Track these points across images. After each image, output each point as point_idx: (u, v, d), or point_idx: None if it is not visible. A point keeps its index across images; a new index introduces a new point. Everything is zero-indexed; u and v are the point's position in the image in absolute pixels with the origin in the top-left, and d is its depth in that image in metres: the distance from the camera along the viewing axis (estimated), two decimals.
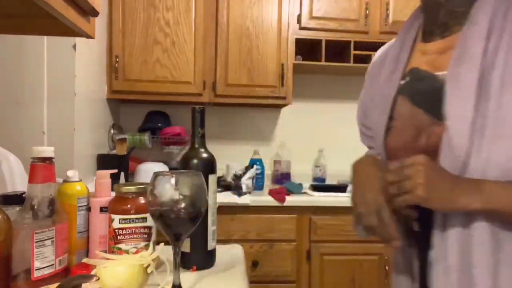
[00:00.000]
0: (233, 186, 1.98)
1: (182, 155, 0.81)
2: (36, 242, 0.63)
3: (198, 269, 0.79)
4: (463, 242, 0.57)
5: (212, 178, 0.80)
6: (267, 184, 2.34)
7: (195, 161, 0.79)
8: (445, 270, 0.58)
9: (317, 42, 2.18)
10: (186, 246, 0.79)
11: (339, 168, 2.34)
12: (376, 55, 0.82)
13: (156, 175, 0.61)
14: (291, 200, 1.90)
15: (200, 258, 0.80)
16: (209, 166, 0.80)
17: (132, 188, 0.74)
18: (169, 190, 0.59)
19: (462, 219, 0.57)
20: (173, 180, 0.60)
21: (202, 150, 0.81)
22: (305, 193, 2.03)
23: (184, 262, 0.79)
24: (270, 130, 2.47)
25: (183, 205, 0.60)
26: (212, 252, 0.82)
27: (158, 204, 0.60)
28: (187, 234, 0.64)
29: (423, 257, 0.64)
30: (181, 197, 0.60)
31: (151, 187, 0.60)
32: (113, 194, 0.77)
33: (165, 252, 0.82)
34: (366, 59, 2.14)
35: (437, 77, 0.62)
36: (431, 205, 0.55)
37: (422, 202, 0.55)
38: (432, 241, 0.61)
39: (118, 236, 0.72)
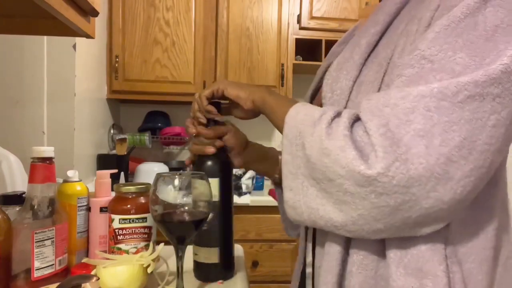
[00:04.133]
0: (233, 186, 1.98)
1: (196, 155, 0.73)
2: (36, 242, 0.63)
3: (224, 280, 0.72)
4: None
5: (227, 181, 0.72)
6: (267, 184, 2.34)
7: (209, 163, 0.70)
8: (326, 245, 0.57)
9: (317, 42, 2.18)
10: (214, 257, 0.71)
11: None
12: None
13: (159, 176, 0.59)
14: None
15: (226, 268, 0.73)
16: (227, 168, 0.72)
17: (132, 188, 0.74)
18: (172, 192, 0.58)
19: None
20: (176, 182, 0.58)
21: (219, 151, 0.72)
22: None
23: (210, 273, 0.72)
24: (270, 130, 2.47)
25: (186, 208, 0.59)
26: (233, 260, 0.76)
27: (160, 206, 0.58)
28: (190, 238, 0.62)
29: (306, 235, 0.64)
30: (184, 199, 0.58)
31: (153, 189, 0.59)
32: (113, 194, 0.77)
33: (165, 252, 0.82)
34: None
35: None
36: (233, 93, 0.66)
37: (224, 89, 0.66)
38: None
39: (118, 236, 0.72)
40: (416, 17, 0.51)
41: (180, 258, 0.61)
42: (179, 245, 0.61)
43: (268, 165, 0.77)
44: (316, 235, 0.60)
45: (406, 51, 0.50)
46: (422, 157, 0.42)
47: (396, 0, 0.57)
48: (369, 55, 0.56)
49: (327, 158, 0.47)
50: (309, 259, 0.62)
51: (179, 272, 0.62)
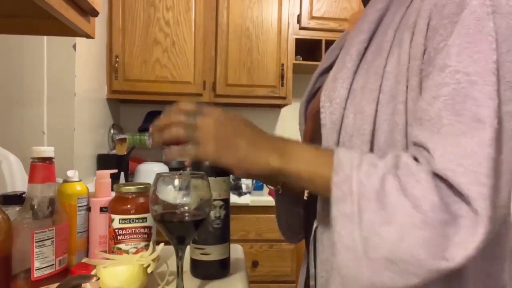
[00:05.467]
0: (233, 186, 1.98)
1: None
2: (36, 242, 0.63)
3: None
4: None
5: (224, 180, 0.74)
6: None
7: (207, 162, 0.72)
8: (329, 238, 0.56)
9: (317, 42, 2.18)
10: (223, 253, 0.74)
11: None
12: None
13: (159, 176, 0.59)
14: None
15: (227, 264, 0.77)
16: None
17: (132, 188, 0.74)
18: (172, 192, 0.58)
19: None
20: (176, 182, 0.58)
21: None
22: None
23: (210, 271, 0.74)
24: (270, 130, 2.47)
25: (186, 208, 0.59)
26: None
27: (160, 206, 0.58)
28: (190, 238, 0.62)
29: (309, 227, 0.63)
30: (184, 199, 0.58)
31: (153, 189, 0.59)
32: (113, 194, 0.77)
33: (165, 252, 0.82)
34: None
35: None
36: (222, 163, 0.50)
37: (211, 159, 0.50)
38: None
39: (118, 236, 0.72)
40: (405, 24, 0.51)
41: (180, 258, 0.61)
42: (179, 245, 0.61)
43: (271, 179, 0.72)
44: (316, 246, 0.60)
45: (403, 63, 0.50)
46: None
47: (377, 7, 0.57)
48: (360, 62, 0.56)
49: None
50: (312, 270, 0.62)
51: (179, 272, 0.62)
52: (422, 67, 0.49)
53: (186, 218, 0.57)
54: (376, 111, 0.52)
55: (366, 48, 0.56)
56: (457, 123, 0.44)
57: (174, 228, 0.60)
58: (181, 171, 1.89)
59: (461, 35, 0.45)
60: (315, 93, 0.71)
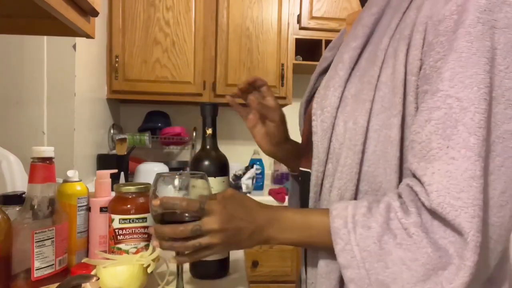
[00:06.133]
0: (233, 186, 1.98)
1: (193, 156, 0.76)
2: (36, 242, 0.63)
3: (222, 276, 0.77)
4: None
5: (224, 180, 0.75)
6: (267, 184, 2.34)
7: (206, 162, 0.74)
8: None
9: (317, 42, 2.18)
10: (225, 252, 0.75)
11: None
12: None
13: (159, 176, 0.59)
14: None
15: (227, 263, 0.78)
16: (223, 168, 0.75)
17: (132, 188, 0.74)
18: (172, 192, 0.58)
19: None
20: (176, 182, 0.58)
21: (214, 151, 0.76)
22: None
23: (210, 270, 0.75)
24: None
25: None
26: None
27: (160, 206, 0.58)
28: None
29: None
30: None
31: (153, 188, 0.59)
32: (113, 194, 0.77)
33: (165, 252, 0.82)
34: None
35: None
36: (232, 250, 0.58)
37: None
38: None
39: (118, 236, 0.72)
40: (401, 34, 0.51)
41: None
42: None
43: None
44: (307, 250, 0.61)
45: (398, 75, 0.50)
46: None
47: (373, 10, 0.57)
48: (352, 69, 0.56)
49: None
50: (303, 275, 0.63)
51: (179, 272, 0.62)
52: (418, 82, 0.49)
53: (186, 218, 0.57)
54: (368, 121, 0.52)
55: (360, 54, 0.56)
56: (446, 147, 0.44)
57: None
58: (181, 171, 1.89)
59: (454, 59, 0.45)
60: (314, 93, 0.71)
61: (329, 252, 0.53)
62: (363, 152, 0.52)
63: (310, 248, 0.59)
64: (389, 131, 0.51)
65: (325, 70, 0.70)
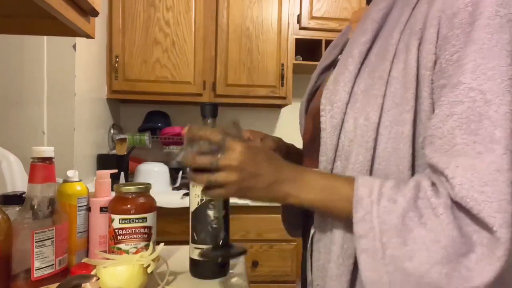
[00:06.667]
0: None
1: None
2: (36, 242, 0.63)
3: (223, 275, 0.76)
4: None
5: None
6: None
7: None
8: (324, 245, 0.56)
9: (317, 42, 2.18)
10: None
11: None
12: None
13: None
14: None
15: (227, 263, 0.78)
16: None
17: (132, 188, 0.74)
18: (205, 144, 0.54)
19: None
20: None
21: None
22: None
23: (210, 270, 0.75)
24: (270, 130, 2.47)
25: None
26: None
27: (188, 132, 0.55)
28: None
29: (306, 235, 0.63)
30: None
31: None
32: (113, 194, 0.77)
33: (165, 252, 0.82)
34: None
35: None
36: (247, 198, 0.54)
37: (236, 197, 0.54)
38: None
39: (118, 236, 0.72)
40: (412, 28, 0.51)
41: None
42: None
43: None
44: (313, 251, 0.60)
45: (410, 70, 0.49)
46: None
47: (380, 6, 0.57)
48: (362, 64, 0.56)
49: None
50: (309, 277, 0.62)
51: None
52: (433, 77, 0.48)
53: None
54: (380, 117, 0.51)
55: (369, 49, 0.56)
56: (473, 143, 0.43)
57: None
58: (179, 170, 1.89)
59: (475, 50, 0.44)
60: (315, 92, 0.71)
61: (340, 252, 0.52)
62: (374, 149, 0.52)
63: (327, 215, 0.55)
64: (401, 127, 0.50)
65: (326, 68, 0.70)
